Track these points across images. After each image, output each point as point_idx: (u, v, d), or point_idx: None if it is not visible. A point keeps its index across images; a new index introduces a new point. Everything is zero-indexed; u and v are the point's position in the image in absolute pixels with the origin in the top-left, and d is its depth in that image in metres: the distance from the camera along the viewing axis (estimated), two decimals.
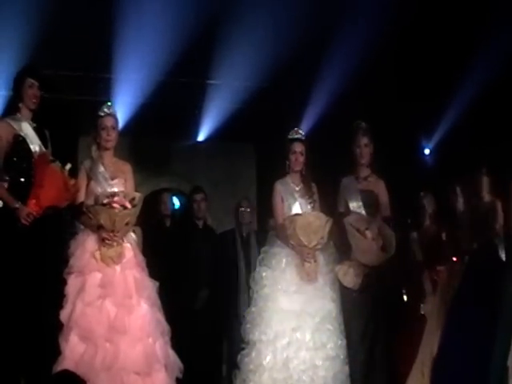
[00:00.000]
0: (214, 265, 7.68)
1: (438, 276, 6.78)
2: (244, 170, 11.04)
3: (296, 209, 6.43)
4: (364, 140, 6.62)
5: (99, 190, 5.83)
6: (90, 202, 5.79)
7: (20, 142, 5.71)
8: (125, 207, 5.69)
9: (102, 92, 8.88)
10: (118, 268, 5.70)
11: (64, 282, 5.61)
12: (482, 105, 8.69)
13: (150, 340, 5.64)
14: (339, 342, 6.21)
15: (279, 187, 6.49)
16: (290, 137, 6.56)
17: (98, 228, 5.68)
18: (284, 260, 6.28)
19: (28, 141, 5.74)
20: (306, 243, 6.20)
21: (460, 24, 8.28)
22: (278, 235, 6.39)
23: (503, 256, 5.91)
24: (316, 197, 6.54)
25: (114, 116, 6.01)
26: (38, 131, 5.85)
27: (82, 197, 5.85)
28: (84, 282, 5.61)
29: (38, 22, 8.02)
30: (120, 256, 5.72)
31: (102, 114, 5.95)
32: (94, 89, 8.93)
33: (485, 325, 5.64)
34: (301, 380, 6.05)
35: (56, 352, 5.42)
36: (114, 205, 5.66)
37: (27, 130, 5.77)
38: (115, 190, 5.83)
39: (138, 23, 8.36)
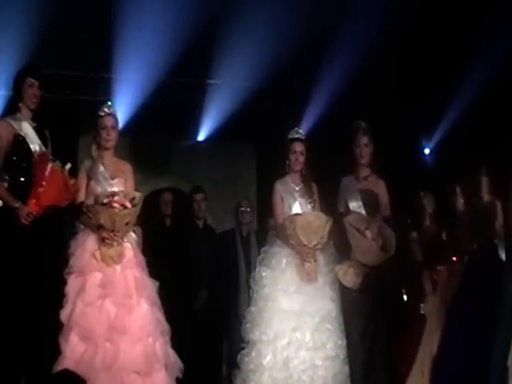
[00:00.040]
0: (214, 265, 7.69)
1: (437, 276, 6.78)
2: (244, 170, 11.04)
3: (296, 208, 6.44)
4: (364, 140, 6.62)
5: (99, 189, 5.83)
6: (90, 201, 5.79)
7: (20, 141, 5.72)
8: (125, 207, 5.69)
9: (102, 92, 8.88)
10: (118, 268, 5.70)
11: (64, 282, 5.61)
12: (481, 105, 8.69)
13: (150, 340, 5.65)
14: (339, 341, 6.22)
15: (279, 187, 6.50)
16: (290, 136, 6.57)
17: (98, 228, 5.69)
18: (284, 260, 6.28)
19: (28, 140, 5.74)
20: (305, 243, 6.20)
21: (460, 24, 8.27)
22: (278, 235, 6.39)
23: (503, 256, 5.91)
24: (316, 196, 6.54)
25: (113, 116, 6.01)
26: (38, 131, 5.85)
27: (82, 196, 5.85)
28: (84, 282, 5.62)
29: (37, 22, 8.01)
30: (120, 256, 5.72)
31: (102, 114, 5.95)
32: (94, 88, 8.93)
33: (484, 325, 5.64)
34: (301, 380, 6.05)
35: (56, 352, 5.43)
36: (114, 204, 5.66)
37: (27, 129, 5.78)
38: (115, 189, 5.83)
39: (137, 23, 8.35)
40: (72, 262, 5.66)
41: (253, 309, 6.26)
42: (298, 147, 6.51)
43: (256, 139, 10.52)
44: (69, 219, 6.16)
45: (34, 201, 5.56)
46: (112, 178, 5.91)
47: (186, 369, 5.83)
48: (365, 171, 6.67)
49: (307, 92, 9.34)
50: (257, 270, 6.41)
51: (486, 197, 6.19)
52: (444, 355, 6.04)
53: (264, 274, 6.29)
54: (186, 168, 10.81)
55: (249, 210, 7.89)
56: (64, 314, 5.53)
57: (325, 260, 6.39)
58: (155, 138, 10.06)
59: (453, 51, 8.54)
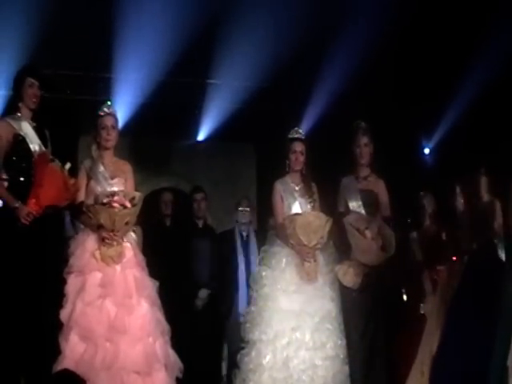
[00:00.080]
0: (213, 264, 7.69)
1: (437, 276, 6.79)
2: (244, 170, 11.06)
3: (296, 208, 6.43)
4: (364, 140, 6.62)
5: (99, 189, 5.82)
6: (90, 201, 5.79)
7: (20, 141, 5.71)
8: (125, 207, 5.68)
9: (102, 92, 8.90)
10: (118, 267, 5.69)
11: (64, 282, 5.60)
12: (481, 105, 8.70)
13: (150, 339, 5.64)
14: (339, 341, 6.21)
15: (279, 187, 6.49)
16: (290, 136, 6.56)
17: (97, 227, 5.68)
18: (284, 259, 6.27)
19: (28, 140, 5.74)
20: (305, 243, 6.19)
21: (460, 24, 8.28)
22: (278, 235, 6.39)
23: (503, 256, 5.92)
24: (316, 196, 6.53)
25: (113, 115, 6.00)
26: (38, 131, 5.85)
27: (81, 196, 5.84)
28: (84, 282, 5.61)
29: (37, 22, 8.02)
30: (120, 255, 5.71)
31: (102, 114, 5.95)
32: (94, 88, 8.95)
33: (484, 324, 5.64)
34: (300, 379, 6.04)
35: (56, 351, 5.42)
36: (114, 204, 5.65)
37: (27, 129, 5.77)
38: (115, 189, 5.82)
39: (137, 23, 8.36)
40: (72, 261, 5.66)
41: (252, 308, 6.26)
42: (298, 147, 6.51)
43: (256, 139, 10.53)
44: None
45: (33, 200, 5.55)
46: (112, 178, 5.91)
47: (186, 369, 5.83)
48: (365, 171, 6.67)
49: (307, 92, 9.35)
50: (256, 269, 6.41)
51: (485, 197, 6.20)
52: (444, 355, 6.04)
53: (264, 273, 6.28)
54: (185, 168, 10.83)
55: (248, 209, 7.89)
56: (64, 314, 5.52)
57: (325, 260, 6.38)
58: (155, 138, 10.07)
59: (453, 51, 8.55)
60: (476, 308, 5.85)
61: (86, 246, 5.71)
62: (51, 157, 5.80)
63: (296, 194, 6.47)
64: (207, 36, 8.54)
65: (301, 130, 6.64)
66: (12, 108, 5.88)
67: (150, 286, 5.79)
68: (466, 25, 8.23)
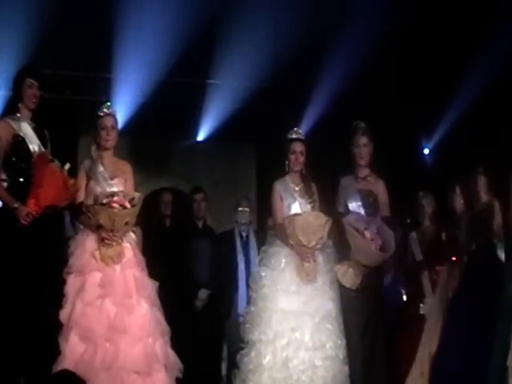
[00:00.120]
0: (213, 265, 7.69)
1: (437, 276, 6.79)
2: (244, 170, 11.05)
3: (295, 208, 6.42)
4: (363, 140, 6.61)
5: (99, 189, 5.82)
6: (90, 201, 5.79)
7: (19, 141, 5.72)
8: (124, 207, 5.68)
9: (102, 92, 8.90)
10: (117, 267, 5.69)
11: (63, 282, 5.60)
12: (481, 105, 8.70)
13: (150, 340, 5.64)
14: (339, 341, 6.20)
15: (278, 187, 6.49)
16: (289, 137, 6.55)
17: (97, 228, 5.68)
18: (283, 260, 6.27)
19: (27, 141, 5.74)
20: (305, 243, 6.19)
21: (460, 25, 8.28)
22: (278, 235, 6.39)
23: (502, 256, 5.92)
24: (316, 197, 6.52)
25: (113, 116, 6.01)
26: (38, 131, 5.85)
27: (81, 196, 5.84)
28: (84, 282, 5.61)
29: (38, 22, 8.03)
30: (120, 256, 5.71)
31: (102, 114, 5.95)
32: (94, 89, 8.95)
33: (484, 324, 5.65)
34: (300, 380, 6.03)
35: (56, 352, 5.42)
36: (114, 204, 5.65)
37: (26, 129, 5.77)
38: (115, 189, 5.82)
39: (137, 23, 8.37)
40: (71, 261, 5.66)
41: (252, 309, 6.25)
42: (298, 147, 6.50)
43: (256, 139, 10.53)
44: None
45: (33, 201, 5.55)
46: (111, 178, 5.91)
47: (186, 369, 5.83)
48: (364, 171, 6.66)
49: (307, 92, 9.35)
50: (256, 269, 6.41)
51: (484, 197, 6.20)
52: (443, 355, 6.05)
53: (263, 273, 6.27)
54: (185, 168, 10.82)
55: (248, 210, 7.89)
56: (64, 314, 5.52)
57: (324, 260, 6.38)
58: (155, 138, 10.07)
59: (453, 52, 8.55)
60: (475, 308, 5.86)
61: (85, 247, 5.71)
62: (51, 157, 5.80)
63: (296, 195, 6.46)
64: (207, 36, 8.54)
65: (300, 131, 6.63)
66: (12, 108, 5.88)
67: (150, 286, 5.79)
68: (466, 25, 8.23)
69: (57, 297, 5.56)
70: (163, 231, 8.09)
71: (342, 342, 6.21)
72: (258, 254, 6.54)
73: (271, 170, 7.12)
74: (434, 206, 7.25)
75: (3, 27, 8.06)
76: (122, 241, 5.76)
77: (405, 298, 7.35)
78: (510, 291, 5.46)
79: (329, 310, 6.24)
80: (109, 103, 6.16)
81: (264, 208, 7.76)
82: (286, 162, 6.53)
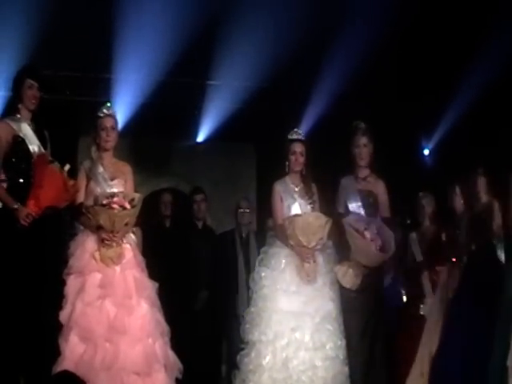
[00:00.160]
0: (213, 265, 7.70)
1: (437, 276, 6.79)
2: (244, 170, 11.05)
3: (295, 209, 6.42)
4: (363, 140, 6.61)
5: (98, 190, 5.83)
6: (90, 202, 5.79)
7: (19, 142, 5.72)
8: (124, 208, 5.69)
9: (102, 92, 8.88)
10: (117, 268, 5.70)
11: (63, 283, 5.60)
12: (481, 105, 8.70)
13: (150, 340, 5.64)
14: (339, 342, 6.20)
15: (278, 187, 6.49)
16: (289, 137, 6.55)
17: (97, 228, 5.68)
18: (283, 260, 6.27)
19: (27, 141, 5.74)
20: (305, 244, 6.19)
21: (460, 26, 8.28)
22: (278, 235, 6.39)
23: (502, 256, 5.92)
24: (316, 197, 6.52)
25: (113, 117, 6.01)
26: (38, 132, 5.85)
27: (81, 197, 5.85)
28: (84, 283, 5.61)
29: (38, 22, 8.02)
30: (120, 256, 5.72)
31: (102, 115, 5.95)
32: (94, 89, 8.94)
33: (484, 325, 5.65)
34: (300, 380, 6.04)
35: (56, 352, 5.42)
36: (114, 205, 5.66)
37: (26, 130, 5.78)
38: (114, 190, 5.82)
39: (137, 23, 8.36)
40: (71, 262, 5.66)
41: (252, 309, 6.25)
42: (298, 148, 6.50)
43: (256, 139, 10.52)
44: (68, 220, 6.16)
45: (33, 202, 5.56)
46: (111, 179, 5.91)
47: (186, 369, 5.83)
48: (364, 171, 6.66)
49: (307, 92, 9.35)
50: (256, 270, 6.40)
51: (483, 197, 6.19)
52: (443, 355, 6.05)
53: (263, 274, 6.28)
54: (185, 168, 10.82)
55: (248, 210, 7.90)
56: (64, 315, 5.53)
57: (324, 261, 6.38)
58: (155, 138, 10.06)
59: (453, 52, 8.54)
60: (475, 308, 5.86)
61: (85, 247, 5.72)
62: (50, 158, 5.81)
63: (296, 195, 6.46)
64: (207, 36, 8.53)
65: (300, 131, 6.63)
66: (11, 109, 5.89)
67: (150, 286, 5.79)
68: (466, 26, 8.22)
69: (57, 297, 5.57)
70: (163, 232, 8.09)
71: (342, 343, 6.21)
72: (258, 255, 6.54)
73: (271, 170, 7.12)
74: (434, 207, 7.25)
75: (3, 27, 8.06)
76: (122, 242, 5.76)
77: (405, 298, 7.35)
78: (510, 291, 5.46)
79: (329, 311, 6.24)
80: (109, 104, 6.16)
81: (264, 208, 7.75)
82: (286, 163, 6.53)
